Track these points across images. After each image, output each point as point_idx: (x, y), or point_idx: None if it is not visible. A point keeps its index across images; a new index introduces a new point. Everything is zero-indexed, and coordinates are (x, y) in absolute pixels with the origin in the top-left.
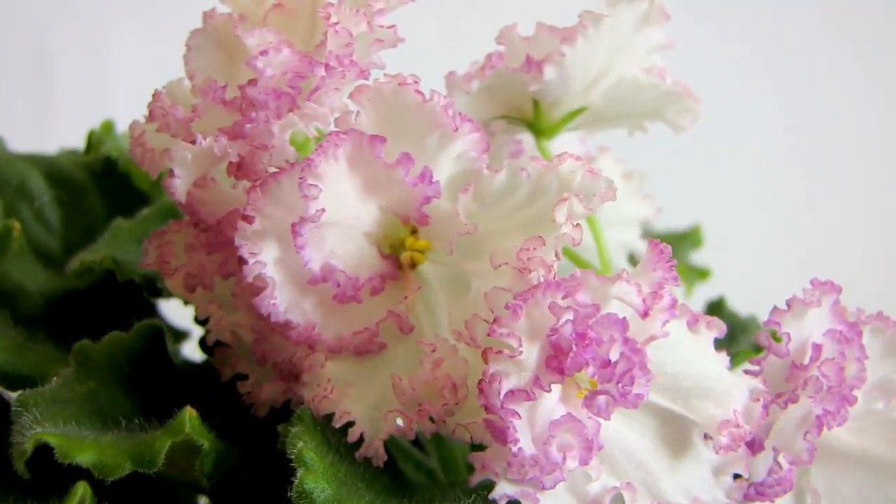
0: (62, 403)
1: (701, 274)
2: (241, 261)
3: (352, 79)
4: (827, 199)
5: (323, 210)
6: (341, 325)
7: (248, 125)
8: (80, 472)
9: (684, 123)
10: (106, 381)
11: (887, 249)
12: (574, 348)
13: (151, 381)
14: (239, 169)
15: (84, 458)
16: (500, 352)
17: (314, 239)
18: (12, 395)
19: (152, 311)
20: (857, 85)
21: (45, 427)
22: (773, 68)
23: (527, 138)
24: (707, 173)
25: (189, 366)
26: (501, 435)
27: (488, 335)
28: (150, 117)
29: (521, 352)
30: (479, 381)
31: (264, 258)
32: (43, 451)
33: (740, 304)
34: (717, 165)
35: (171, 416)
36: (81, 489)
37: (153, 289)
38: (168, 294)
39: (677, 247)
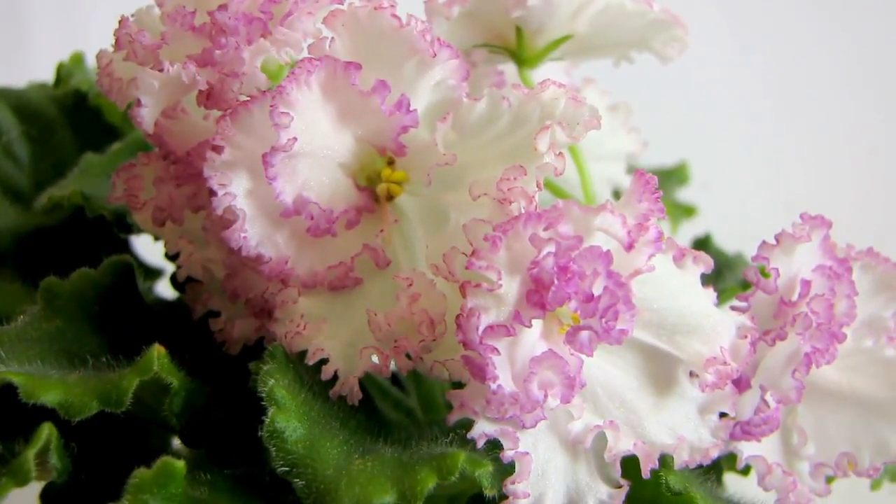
0: (28, 342)
1: (687, 211)
2: (211, 192)
3: (326, 3)
4: (814, 137)
5: (295, 139)
6: (315, 260)
7: (218, 52)
8: (47, 413)
9: (672, 53)
10: (74, 318)
11: (874, 188)
12: (556, 282)
13: (121, 318)
14: (209, 98)
15: (49, 398)
16: (478, 285)
17: (286, 170)
18: None
19: (125, 249)
20: (842, 22)
21: (10, 366)
22: (760, 4)
23: (509, 70)
24: (693, 110)
25: (161, 303)
26: (480, 372)
27: (466, 268)
28: (117, 45)
29: (501, 285)
30: (457, 317)
31: (234, 190)
32: (10, 390)
33: (726, 243)
34: (704, 102)
35: (140, 355)
36: (47, 430)
37: (123, 224)
38: (139, 230)
39: (663, 183)
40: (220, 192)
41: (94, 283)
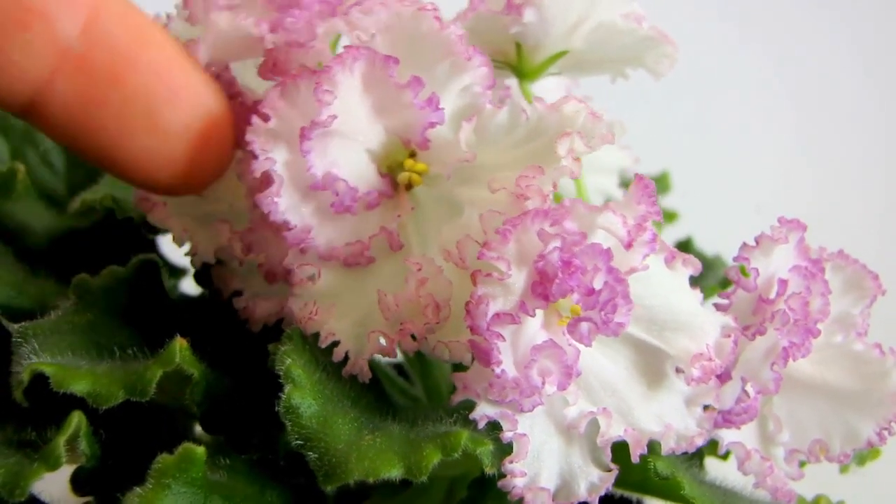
0: (60, 334)
1: (669, 216)
2: (252, 156)
3: None
4: (780, 149)
5: (334, 117)
6: (334, 235)
7: (289, 19)
8: (77, 402)
9: (662, 70)
10: (103, 313)
11: (834, 193)
12: (560, 275)
13: (147, 313)
14: (274, 66)
15: (78, 388)
16: (489, 275)
17: (320, 145)
18: (14, 327)
19: (151, 248)
20: (815, 33)
21: (42, 357)
22: (736, 15)
23: (513, 84)
24: (670, 123)
25: (185, 299)
26: (485, 356)
27: (478, 258)
28: (185, 4)
29: (510, 276)
30: (467, 303)
31: (275, 156)
32: (43, 380)
33: (702, 245)
34: (683, 118)
35: (164, 347)
36: (77, 418)
37: (150, 226)
38: (164, 231)
39: None
40: (262, 157)
41: (122, 280)
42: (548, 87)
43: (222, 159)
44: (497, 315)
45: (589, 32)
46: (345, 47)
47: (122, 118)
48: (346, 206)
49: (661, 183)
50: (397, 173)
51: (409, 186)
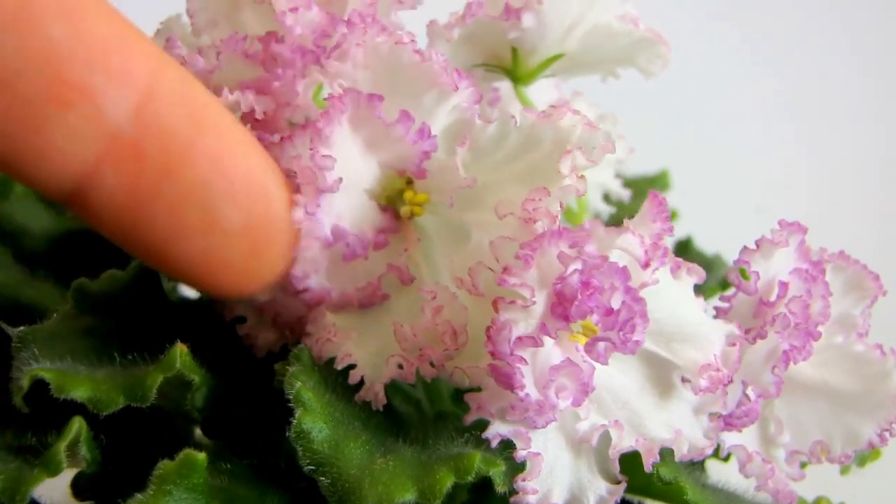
0: (60, 339)
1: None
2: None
3: (374, 36)
4: (779, 149)
5: (340, 180)
6: (346, 282)
7: (276, 82)
8: (78, 406)
9: (655, 69)
10: (102, 317)
11: (834, 193)
12: (579, 296)
13: (147, 317)
14: (256, 122)
15: (78, 393)
16: (512, 301)
17: (325, 204)
18: (13, 332)
19: None
20: (815, 33)
21: (42, 363)
22: (735, 16)
23: (504, 86)
24: (670, 122)
25: (185, 302)
26: (507, 380)
27: (499, 285)
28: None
29: (535, 302)
30: (488, 328)
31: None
32: (43, 385)
33: (703, 245)
34: (683, 116)
35: (164, 352)
36: (77, 424)
37: None
38: None
39: (646, 190)
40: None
41: (121, 284)
42: (541, 89)
43: (285, 259)
44: (519, 339)
45: (584, 35)
46: (327, 98)
47: (176, 214)
48: (358, 255)
49: (661, 182)
50: (398, 205)
51: (411, 217)
